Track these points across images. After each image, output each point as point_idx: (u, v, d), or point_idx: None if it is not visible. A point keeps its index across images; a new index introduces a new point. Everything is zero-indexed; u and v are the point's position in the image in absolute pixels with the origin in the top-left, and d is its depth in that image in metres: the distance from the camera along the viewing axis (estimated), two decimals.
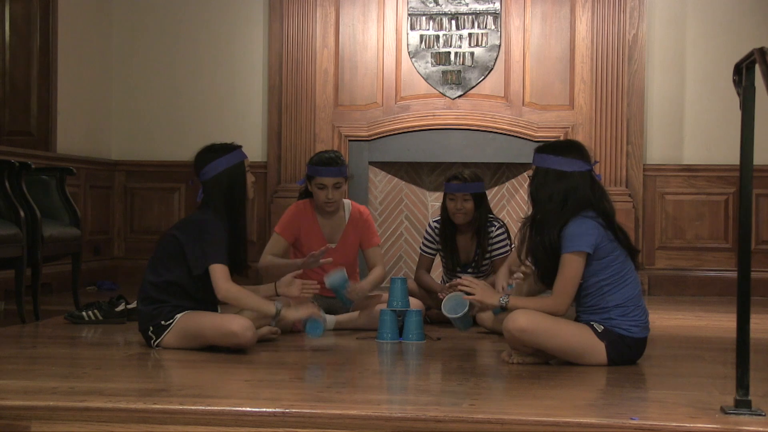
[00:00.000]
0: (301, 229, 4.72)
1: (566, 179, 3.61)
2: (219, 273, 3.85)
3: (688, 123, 6.96)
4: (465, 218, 4.96)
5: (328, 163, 4.62)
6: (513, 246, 5.08)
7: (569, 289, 3.56)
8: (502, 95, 6.97)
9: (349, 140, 7.05)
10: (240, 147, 4.08)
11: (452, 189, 4.97)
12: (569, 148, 3.73)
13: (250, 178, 4.06)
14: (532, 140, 6.81)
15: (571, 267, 3.54)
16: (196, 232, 3.90)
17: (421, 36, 7.00)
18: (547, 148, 3.74)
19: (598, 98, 6.84)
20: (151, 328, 3.91)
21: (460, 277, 4.97)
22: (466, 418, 2.68)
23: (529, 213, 3.74)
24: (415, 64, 7.00)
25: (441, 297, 4.84)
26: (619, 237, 3.63)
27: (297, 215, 4.73)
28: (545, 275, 3.68)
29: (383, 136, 7.05)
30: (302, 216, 4.73)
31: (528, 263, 3.90)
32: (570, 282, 3.55)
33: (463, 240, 5.05)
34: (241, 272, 4.05)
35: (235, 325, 3.77)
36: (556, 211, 3.60)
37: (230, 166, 3.98)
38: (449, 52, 6.98)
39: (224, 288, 3.84)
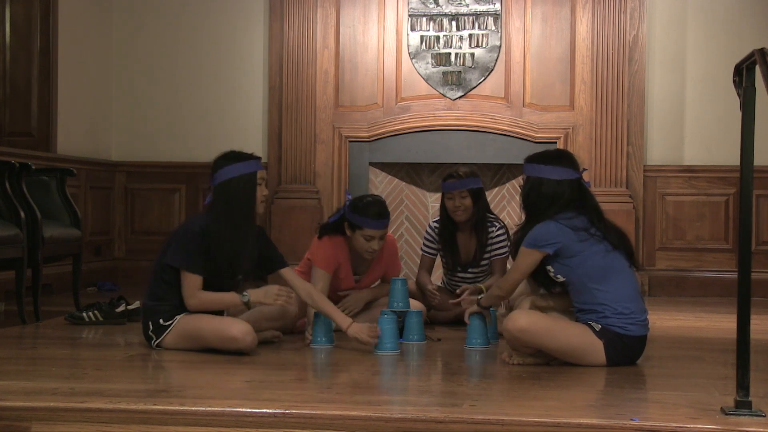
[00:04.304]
0: (336, 265, 4.58)
1: (556, 187, 3.72)
2: (185, 282, 3.88)
3: (688, 124, 6.96)
4: (465, 215, 4.95)
5: (380, 215, 4.48)
6: None
7: (512, 279, 3.82)
8: (503, 96, 6.97)
9: (350, 141, 7.05)
10: (257, 158, 4.04)
11: (449, 187, 4.97)
12: (558, 157, 3.83)
13: (261, 191, 4.00)
14: (532, 141, 6.81)
15: (520, 259, 3.75)
16: (181, 230, 3.95)
17: (422, 37, 7.00)
18: (536, 157, 3.84)
19: (599, 99, 6.84)
20: (152, 326, 3.92)
21: (460, 277, 5.02)
22: (466, 419, 2.69)
23: (523, 221, 3.87)
24: (416, 65, 7.00)
25: (433, 303, 4.84)
26: (608, 236, 3.67)
27: (335, 252, 4.56)
28: (534, 278, 3.83)
29: (384, 137, 7.05)
30: (337, 251, 4.57)
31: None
32: (514, 273, 3.79)
33: (463, 238, 5.05)
34: (234, 284, 4.01)
35: (236, 329, 3.78)
36: (541, 215, 3.72)
37: (239, 175, 3.95)
38: (449, 53, 6.98)
39: (189, 303, 3.89)
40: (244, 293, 3.94)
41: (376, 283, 4.77)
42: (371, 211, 4.45)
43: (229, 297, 3.96)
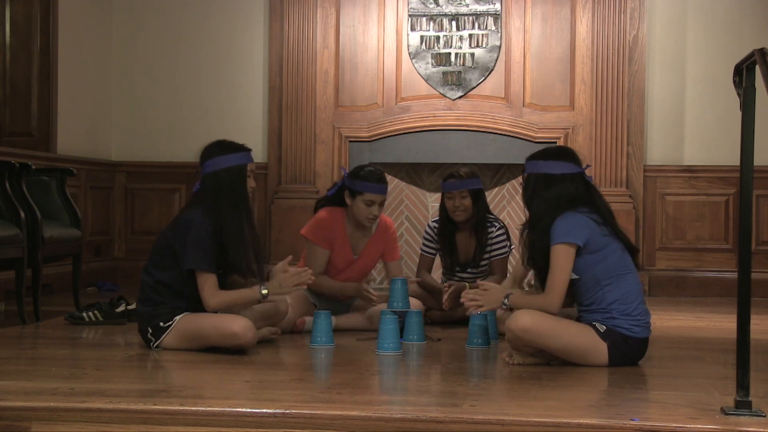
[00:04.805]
0: (332, 238, 4.62)
1: (558, 182, 3.66)
2: (203, 283, 3.87)
3: (688, 124, 6.96)
4: (464, 215, 4.96)
5: (380, 180, 4.56)
6: (512, 247, 5.08)
7: (560, 282, 3.55)
8: (503, 96, 6.97)
9: (350, 141, 7.06)
10: (248, 150, 4.05)
11: (449, 187, 4.97)
12: (559, 152, 3.77)
13: (249, 183, 4.01)
14: (532, 141, 6.81)
15: (558, 259, 3.54)
16: (182, 231, 3.90)
17: (422, 37, 7.00)
18: (538, 154, 3.78)
19: (599, 99, 6.85)
20: (150, 330, 3.91)
21: (459, 278, 5.01)
22: (466, 419, 2.68)
23: (526, 219, 3.77)
24: (416, 65, 7.00)
25: (445, 307, 4.80)
26: (619, 234, 3.64)
27: (330, 222, 4.61)
28: (544, 278, 3.67)
29: (384, 137, 7.05)
30: (335, 224, 4.62)
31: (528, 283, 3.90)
32: (559, 274, 3.55)
33: (462, 238, 5.05)
34: (247, 274, 3.99)
35: (236, 326, 3.78)
36: (549, 213, 3.62)
37: (231, 166, 3.96)
38: (449, 53, 6.98)
39: (210, 304, 3.87)
40: (263, 287, 3.92)
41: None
42: (372, 176, 4.56)
43: (247, 293, 3.95)
